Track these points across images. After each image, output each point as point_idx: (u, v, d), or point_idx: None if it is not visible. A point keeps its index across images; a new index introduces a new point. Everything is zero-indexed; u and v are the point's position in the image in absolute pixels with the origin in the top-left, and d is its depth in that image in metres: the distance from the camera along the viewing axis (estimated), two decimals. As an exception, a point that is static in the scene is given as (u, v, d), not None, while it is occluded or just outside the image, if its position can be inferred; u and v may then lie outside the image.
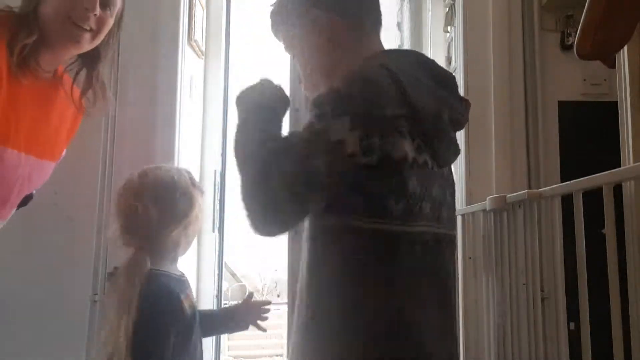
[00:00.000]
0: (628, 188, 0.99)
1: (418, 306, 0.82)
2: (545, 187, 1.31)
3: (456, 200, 1.93)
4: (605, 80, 1.82)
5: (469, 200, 1.81)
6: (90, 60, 1.27)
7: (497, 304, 1.45)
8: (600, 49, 1.06)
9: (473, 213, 1.74)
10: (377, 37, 1.00)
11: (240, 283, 4.82)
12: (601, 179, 0.98)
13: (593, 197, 1.02)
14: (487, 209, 1.47)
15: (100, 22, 1.19)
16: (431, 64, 0.94)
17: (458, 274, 1.78)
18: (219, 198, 2.13)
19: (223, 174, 2.17)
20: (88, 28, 1.17)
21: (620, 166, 1.12)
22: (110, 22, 1.22)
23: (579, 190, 1.05)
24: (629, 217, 0.97)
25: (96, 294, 1.71)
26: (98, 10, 1.17)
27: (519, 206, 1.30)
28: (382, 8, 1.02)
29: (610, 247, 0.96)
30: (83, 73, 1.28)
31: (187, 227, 1.30)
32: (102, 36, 1.21)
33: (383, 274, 0.81)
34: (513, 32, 1.84)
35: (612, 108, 1.25)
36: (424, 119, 0.85)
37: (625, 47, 1.11)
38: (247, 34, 4.49)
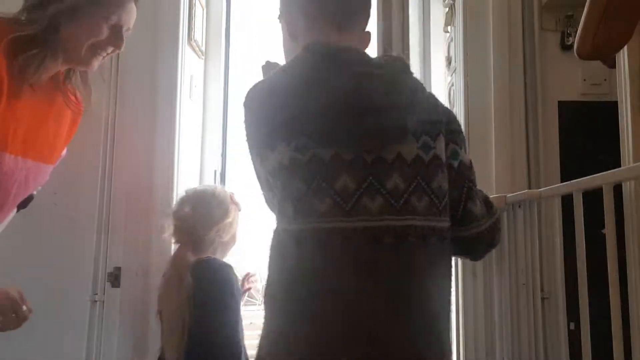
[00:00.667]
0: (628, 188, 0.99)
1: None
2: (545, 187, 1.31)
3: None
4: (605, 80, 1.81)
5: (469, 200, 1.80)
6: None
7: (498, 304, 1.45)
8: (600, 49, 1.06)
9: (473, 213, 1.74)
10: (333, 30, 0.98)
11: (240, 283, 4.84)
12: (601, 179, 0.98)
13: (593, 197, 1.02)
14: (487, 209, 1.47)
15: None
16: (343, 57, 0.92)
17: (458, 273, 1.78)
18: (219, 198, 2.13)
19: (223, 174, 2.17)
20: (105, 55, 1.20)
21: (620, 166, 1.12)
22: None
23: (579, 190, 1.05)
24: (629, 217, 0.97)
25: (96, 294, 1.72)
26: (123, 47, 1.20)
27: (519, 206, 1.30)
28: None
29: (610, 247, 0.96)
30: (77, 75, 1.28)
31: (219, 231, 1.65)
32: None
33: (285, 269, 0.89)
34: (513, 32, 1.84)
35: (612, 108, 1.25)
36: (310, 117, 0.87)
37: (625, 47, 1.11)
38: (247, 34, 4.49)
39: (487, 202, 1.01)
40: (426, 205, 0.86)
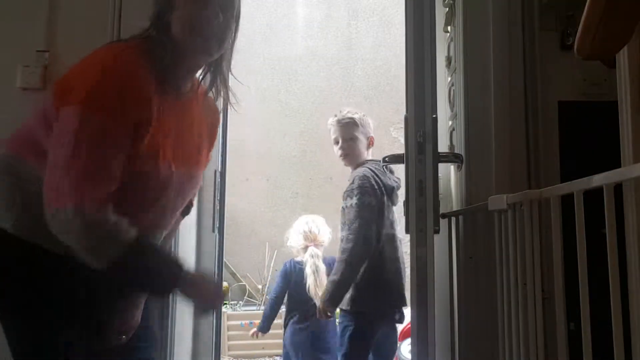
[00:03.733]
0: (628, 188, 0.99)
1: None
2: (545, 187, 1.31)
3: (456, 200, 1.93)
4: (605, 80, 1.81)
5: (469, 200, 1.81)
6: (215, 63, 1.28)
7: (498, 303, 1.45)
8: (600, 49, 1.06)
9: (473, 213, 1.74)
10: None
11: (240, 283, 4.81)
12: (601, 179, 0.97)
13: (593, 197, 1.02)
14: (488, 209, 1.47)
15: (224, 28, 1.20)
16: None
17: (460, 273, 1.78)
18: (219, 198, 2.12)
19: (223, 174, 2.17)
20: (213, 36, 1.18)
21: (620, 166, 1.12)
22: (233, 25, 1.23)
23: (579, 190, 1.05)
24: (629, 217, 0.97)
25: (96, 294, 1.71)
26: (221, 17, 1.18)
27: (520, 206, 1.30)
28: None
29: (611, 247, 0.96)
30: (209, 77, 1.29)
31: None
32: (227, 41, 1.23)
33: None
34: (513, 32, 1.84)
35: (612, 108, 1.25)
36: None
37: (625, 47, 1.11)
38: (247, 34, 4.49)
39: None
40: None
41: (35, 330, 1.09)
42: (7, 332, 1.11)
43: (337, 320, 2.47)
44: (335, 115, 2.31)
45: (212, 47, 1.19)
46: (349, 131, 2.24)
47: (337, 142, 2.28)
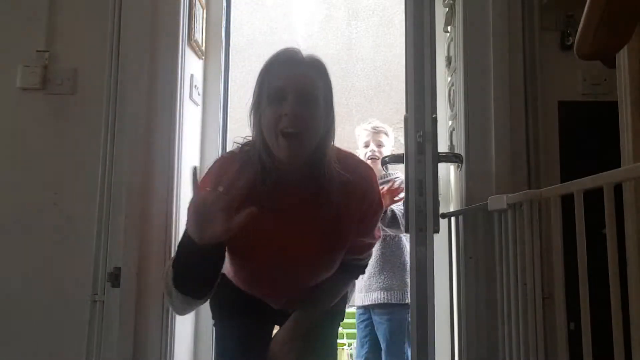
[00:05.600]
0: (628, 188, 0.99)
1: None
2: (545, 187, 1.31)
3: (456, 200, 1.93)
4: (605, 80, 1.81)
5: (469, 200, 1.80)
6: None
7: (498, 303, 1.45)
8: (600, 49, 1.06)
9: (473, 213, 1.74)
10: None
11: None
12: (601, 179, 0.97)
13: (593, 197, 1.02)
14: (488, 209, 1.47)
15: (309, 120, 1.21)
16: None
17: (460, 273, 1.78)
18: (219, 198, 2.13)
19: (223, 174, 2.17)
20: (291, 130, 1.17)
21: (620, 166, 1.12)
22: (322, 113, 1.23)
23: (579, 190, 1.05)
24: (629, 217, 0.97)
25: (96, 294, 1.71)
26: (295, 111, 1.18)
27: (519, 206, 1.30)
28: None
29: (611, 247, 0.96)
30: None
31: None
32: (320, 129, 1.23)
33: None
34: (513, 32, 1.84)
35: (612, 108, 1.25)
36: None
37: (625, 47, 1.11)
38: (247, 34, 4.49)
39: None
40: None
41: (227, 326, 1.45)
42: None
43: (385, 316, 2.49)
44: (370, 123, 2.59)
45: (300, 145, 1.18)
46: (381, 139, 2.53)
47: (367, 146, 2.53)
